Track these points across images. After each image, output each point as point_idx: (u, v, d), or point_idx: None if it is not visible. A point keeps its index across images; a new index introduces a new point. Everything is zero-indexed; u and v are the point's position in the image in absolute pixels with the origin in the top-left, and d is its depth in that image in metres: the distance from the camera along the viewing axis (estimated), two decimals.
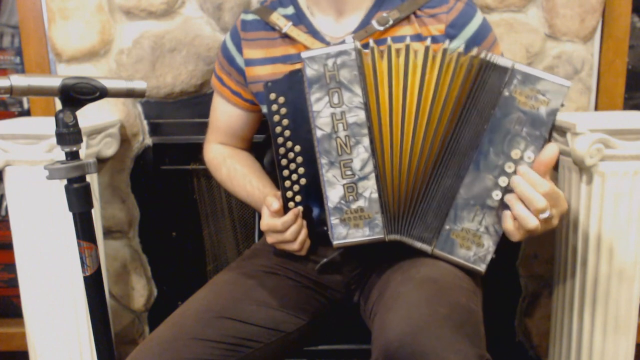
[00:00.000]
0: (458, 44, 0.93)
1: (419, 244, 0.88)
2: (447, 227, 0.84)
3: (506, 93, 0.79)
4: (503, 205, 0.81)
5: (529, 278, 1.55)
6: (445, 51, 0.84)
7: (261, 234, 1.25)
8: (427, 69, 0.84)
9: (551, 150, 0.79)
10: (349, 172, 0.86)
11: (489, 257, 0.84)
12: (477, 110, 0.82)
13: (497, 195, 0.81)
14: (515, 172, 0.80)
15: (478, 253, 0.84)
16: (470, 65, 0.83)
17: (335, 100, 0.85)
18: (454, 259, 0.85)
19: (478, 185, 0.82)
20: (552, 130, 0.81)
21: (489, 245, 0.83)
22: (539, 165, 0.79)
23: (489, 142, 0.81)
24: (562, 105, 0.79)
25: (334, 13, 1.02)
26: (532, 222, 0.78)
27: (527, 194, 0.78)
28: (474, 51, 0.83)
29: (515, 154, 0.80)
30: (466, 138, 0.83)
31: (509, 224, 0.81)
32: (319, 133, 0.86)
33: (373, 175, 0.85)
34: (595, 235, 1.23)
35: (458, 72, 0.84)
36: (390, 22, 0.97)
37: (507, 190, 0.81)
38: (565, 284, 1.32)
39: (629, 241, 1.23)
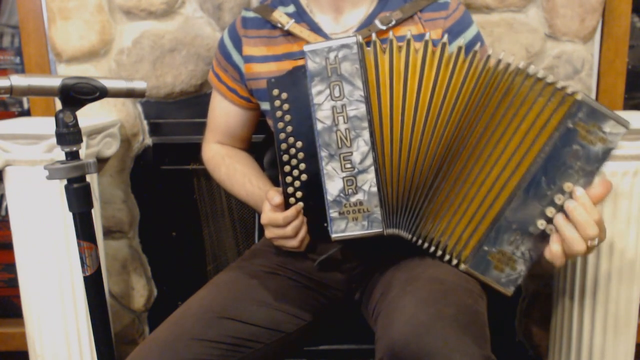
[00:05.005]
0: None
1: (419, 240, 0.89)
2: (486, 248, 0.83)
3: (570, 124, 0.78)
4: (543, 234, 0.80)
5: (529, 278, 1.55)
6: (444, 45, 0.84)
7: (261, 234, 1.25)
8: (426, 65, 0.84)
9: (606, 186, 0.78)
10: (348, 165, 0.86)
11: (519, 281, 0.83)
12: (536, 136, 0.81)
13: (541, 224, 0.80)
14: (562, 205, 0.79)
15: (510, 276, 0.83)
16: (510, 79, 0.81)
17: (336, 93, 0.85)
18: (485, 278, 0.84)
19: (524, 211, 0.81)
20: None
21: (521, 269, 0.83)
22: (592, 197, 0.78)
23: (544, 171, 0.80)
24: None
25: (332, 11, 1.02)
26: (580, 246, 0.77)
27: (582, 219, 0.77)
28: (532, 68, 0.81)
29: (567, 186, 0.79)
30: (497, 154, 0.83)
31: (556, 248, 0.79)
32: (319, 126, 0.86)
33: (372, 168, 0.86)
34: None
35: (472, 74, 0.83)
36: (393, 22, 0.97)
37: (551, 221, 0.80)
38: (565, 284, 1.32)
39: (629, 241, 1.23)
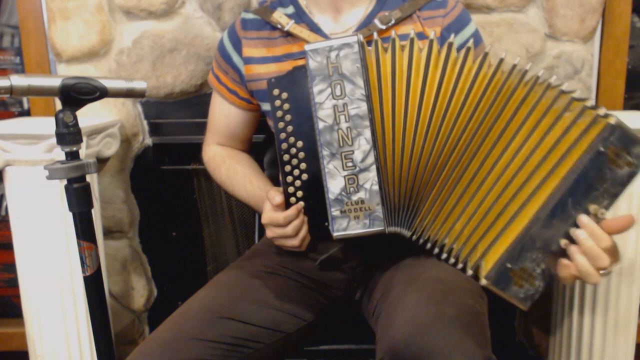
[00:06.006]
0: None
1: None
2: (509, 265, 0.82)
3: (602, 148, 0.77)
4: (563, 252, 0.80)
5: None
6: (450, 45, 0.83)
7: (261, 234, 1.26)
8: (431, 65, 0.84)
9: (629, 221, 0.77)
10: (350, 164, 0.86)
11: (536, 296, 0.83)
12: (564, 155, 0.80)
13: (565, 243, 0.79)
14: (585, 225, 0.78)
15: (528, 292, 0.83)
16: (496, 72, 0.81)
17: (338, 92, 0.85)
18: (504, 294, 0.84)
19: (548, 231, 0.80)
20: None
21: (539, 285, 0.82)
22: (611, 226, 0.77)
23: (571, 192, 0.79)
24: None
25: (331, 11, 1.02)
26: (595, 279, 0.76)
27: (593, 251, 0.76)
28: (562, 85, 0.79)
29: (593, 209, 0.78)
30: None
31: (567, 274, 0.78)
32: (320, 124, 0.86)
33: (374, 167, 0.86)
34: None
35: (466, 69, 0.83)
36: (393, 22, 0.98)
37: (573, 240, 0.79)
38: (565, 283, 1.32)
39: (629, 241, 1.23)
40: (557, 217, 0.80)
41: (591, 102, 0.78)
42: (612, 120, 0.77)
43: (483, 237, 0.84)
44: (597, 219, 0.78)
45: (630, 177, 0.78)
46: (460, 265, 0.87)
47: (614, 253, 0.77)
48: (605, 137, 0.77)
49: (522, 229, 0.82)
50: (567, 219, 0.80)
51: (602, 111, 0.77)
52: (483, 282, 0.84)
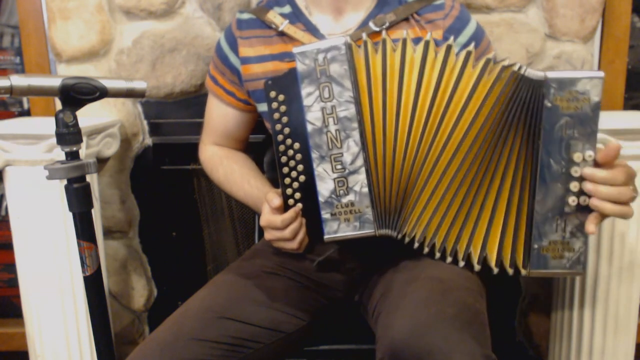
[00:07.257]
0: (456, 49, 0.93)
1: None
2: (536, 246, 0.84)
3: (548, 104, 0.80)
4: (580, 207, 0.82)
5: (529, 278, 1.55)
6: (449, 47, 0.83)
7: (261, 234, 1.25)
8: (427, 64, 0.84)
9: (612, 147, 0.79)
10: (339, 167, 0.86)
11: (582, 258, 0.84)
12: (521, 128, 0.82)
13: (573, 201, 0.81)
14: (581, 175, 0.80)
15: (571, 258, 0.84)
16: (498, 77, 0.82)
17: (326, 94, 0.85)
18: (549, 272, 0.85)
19: (551, 198, 0.82)
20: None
21: (579, 247, 0.83)
22: (605, 159, 0.79)
23: (547, 154, 0.81)
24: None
25: (333, 12, 1.02)
26: (629, 213, 0.79)
27: (608, 193, 0.78)
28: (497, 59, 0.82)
29: (577, 156, 0.80)
30: (514, 154, 0.84)
31: (599, 218, 0.81)
32: (309, 127, 0.86)
33: (363, 169, 0.85)
34: (595, 235, 1.23)
35: (467, 72, 0.83)
36: (386, 24, 0.97)
37: (581, 193, 0.81)
38: (565, 283, 1.32)
39: (629, 241, 1.23)
40: (551, 182, 0.82)
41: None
42: (541, 76, 0.80)
43: (504, 234, 0.86)
44: (587, 163, 0.80)
45: (594, 110, 0.80)
46: (462, 263, 0.87)
47: (630, 178, 0.79)
48: (544, 92, 0.80)
49: (527, 212, 0.84)
50: (560, 178, 0.82)
51: (532, 73, 0.80)
52: (523, 273, 0.86)
